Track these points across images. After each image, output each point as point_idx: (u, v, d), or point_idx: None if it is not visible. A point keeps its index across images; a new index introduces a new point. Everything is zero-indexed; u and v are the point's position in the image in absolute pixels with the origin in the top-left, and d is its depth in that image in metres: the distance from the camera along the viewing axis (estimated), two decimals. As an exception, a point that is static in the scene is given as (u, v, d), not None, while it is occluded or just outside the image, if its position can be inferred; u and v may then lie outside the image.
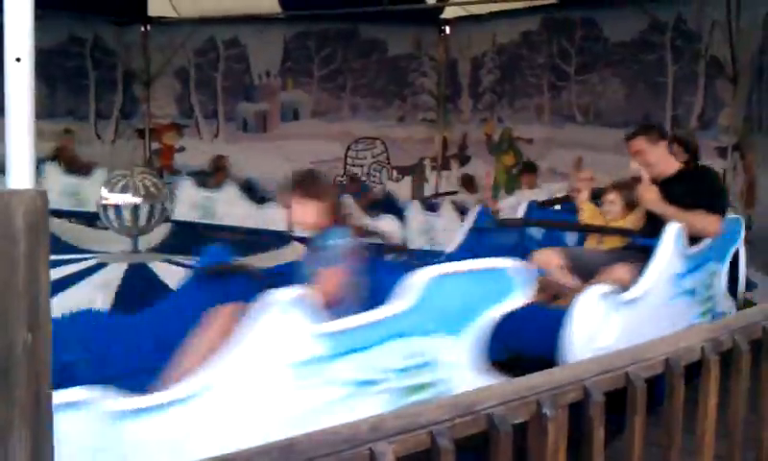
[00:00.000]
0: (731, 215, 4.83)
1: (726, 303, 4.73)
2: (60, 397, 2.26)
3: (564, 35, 9.91)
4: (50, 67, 11.13)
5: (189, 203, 9.89)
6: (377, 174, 11.55)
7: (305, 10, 10.89)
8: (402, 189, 11.30)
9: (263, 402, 2.66)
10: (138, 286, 6.18)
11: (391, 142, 11.49)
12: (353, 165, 11.60)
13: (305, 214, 3.45)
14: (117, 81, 12.05)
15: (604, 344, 3.51)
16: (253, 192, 10.31)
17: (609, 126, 9.34)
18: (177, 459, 2.41)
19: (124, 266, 6.86)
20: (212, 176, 10.69)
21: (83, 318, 3.66)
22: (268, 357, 2.68)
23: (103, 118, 12.01)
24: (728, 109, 8.12)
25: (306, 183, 3.49)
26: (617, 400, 2.24)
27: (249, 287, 3.51)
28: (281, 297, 2.69)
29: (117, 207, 7.34)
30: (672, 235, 4.07)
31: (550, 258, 4.36)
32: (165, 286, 5.86)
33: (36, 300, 1.36)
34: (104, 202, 7.41)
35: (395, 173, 11.56)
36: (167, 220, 8.58)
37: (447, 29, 11.34)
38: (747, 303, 4.91)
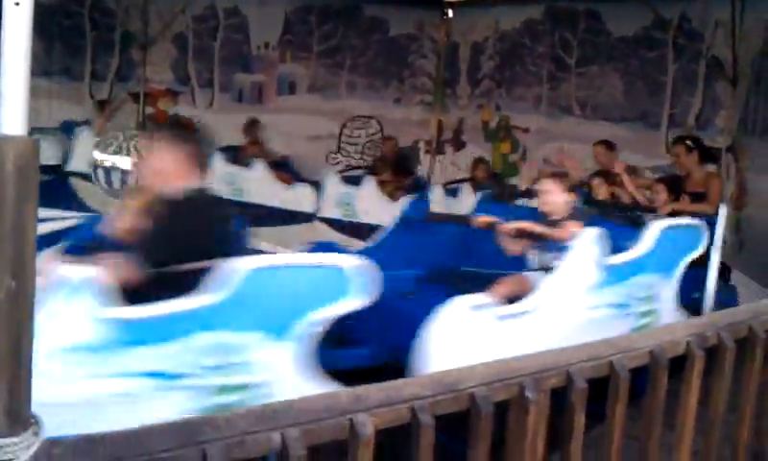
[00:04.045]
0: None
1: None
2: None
3: (567, 25, 9.87)
4: (47, 25, 11.00)
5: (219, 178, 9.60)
6: (371, 153, 11.51)
7: (308, -18, 10.81)
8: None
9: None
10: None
11: (386, 122, 11.44)
12: (348, 143, 11.55)
13: None
14: (115, 43, 11.91)
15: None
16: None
17: (606, 120, 9.35)
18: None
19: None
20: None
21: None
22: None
23: (98, 79, 11.89)
24: (725, 110, 8.12)
25: None
26: (595, 391, 2.23)
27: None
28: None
29: (109, 169, 7.29)
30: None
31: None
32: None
33: (22, 246, 1.33)
34: (96, 162, 7.36)
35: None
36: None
37: (450, 12, 11.26)
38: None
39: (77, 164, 9.04)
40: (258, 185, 9.49)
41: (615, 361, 2.20)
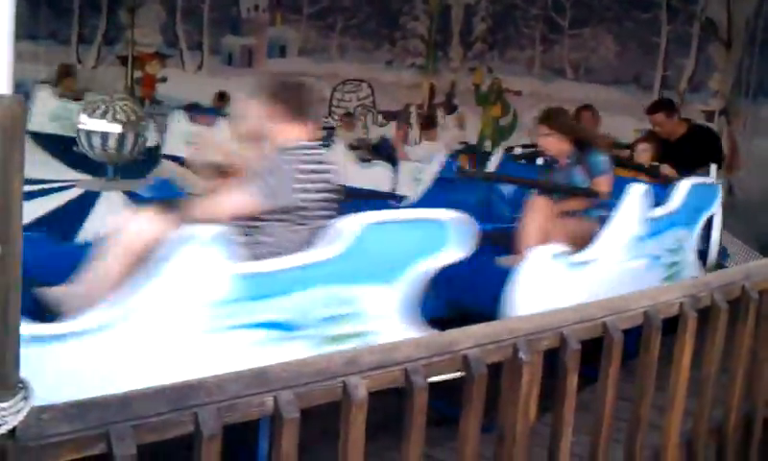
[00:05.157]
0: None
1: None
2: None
3: (560, -14, 9.80)
4: (33, -14, 10.86)
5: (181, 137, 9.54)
6: (362, 117, 11.43)
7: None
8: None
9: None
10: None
11: (378, 86, 11.34)
12: (338, 106, 11.46)
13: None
14: (101, 5, 11.75)
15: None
16: None
17: (599, 83, 9.31)
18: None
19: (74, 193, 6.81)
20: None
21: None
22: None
23: (85, 43, 11.74)
24: (718, 73, 8.10)
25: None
26: (586, 353, 2.23)
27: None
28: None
29: (96, 134, 7.21)
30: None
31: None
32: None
33: (9, 210, 1.30)
34: (83, 127, 7.27)
35: (380, 117, 11.43)
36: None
37: (442, -26, 11.15)
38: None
39: (39, 124, 8.82)
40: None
41: (609, 322, 2.19)
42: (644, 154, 5.71)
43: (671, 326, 2.49)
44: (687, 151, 5.55)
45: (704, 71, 8.41)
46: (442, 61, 11.21)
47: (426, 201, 4.81)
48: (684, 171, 5.07)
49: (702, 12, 8.31)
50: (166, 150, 9.16)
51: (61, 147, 8.54)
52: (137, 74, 11.88)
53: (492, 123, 10.57)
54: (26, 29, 10.67)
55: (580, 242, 3.90)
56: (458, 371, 1.89)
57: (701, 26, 8.36)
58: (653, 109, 5.99)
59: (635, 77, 9.11)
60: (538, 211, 4.06)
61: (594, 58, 9.52)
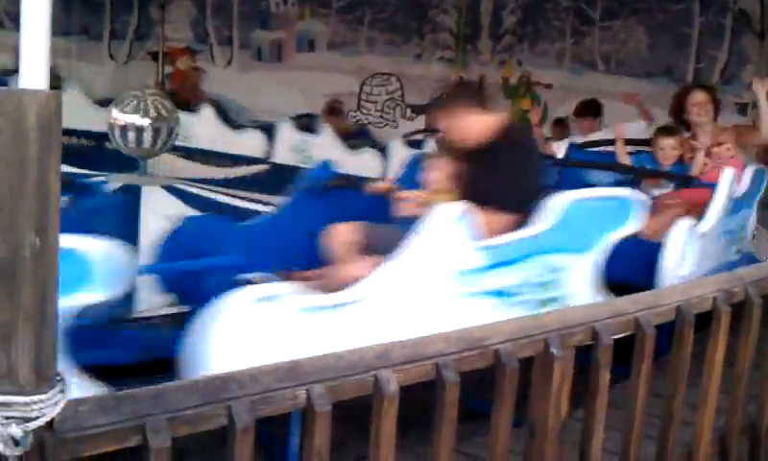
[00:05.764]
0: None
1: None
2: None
3: (591, -23, 9.72)
4: (66, -17, 10.97)
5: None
6: (391, 111, 11.41)
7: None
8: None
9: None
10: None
11: (407, 79, 11.31)
12: (368, 101, 11.45)
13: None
14: (133, 1, 11.86)
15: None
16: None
17: (630, 76, 9.21)
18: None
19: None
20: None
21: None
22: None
23: (117, 38, 11.85)
24: (752, 64, 7.98)
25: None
26: (617, 349, 2.21)
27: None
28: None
29: (126, 128, 7.26)
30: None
31: (340, 235, 3.57)
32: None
33: (46, 203, 1.32)
34: (113, 121, 7.32)
35: (408, 111, 11.41)
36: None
37: (471, -34, 11.08)
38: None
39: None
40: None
41: (641, 317, 2.18)
42: (434, 175, 3.74)
43: (704, 321, 2.46)
44: (483, 166, 3.44)
45: (737, 63, 8.30)
46: (471, 55, 11.14)
47: (291, 211, 4.10)
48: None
49: (735, 3, 8.20)
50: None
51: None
52: (168, 69, 11.96)
53: (522, 116, 10.50)
54: (58, 25, 10.78)
55: None
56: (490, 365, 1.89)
57: (734, 17, 8.24)
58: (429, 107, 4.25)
59: (666, 69, 9.01)
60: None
61: (625, 50, 9.42)
